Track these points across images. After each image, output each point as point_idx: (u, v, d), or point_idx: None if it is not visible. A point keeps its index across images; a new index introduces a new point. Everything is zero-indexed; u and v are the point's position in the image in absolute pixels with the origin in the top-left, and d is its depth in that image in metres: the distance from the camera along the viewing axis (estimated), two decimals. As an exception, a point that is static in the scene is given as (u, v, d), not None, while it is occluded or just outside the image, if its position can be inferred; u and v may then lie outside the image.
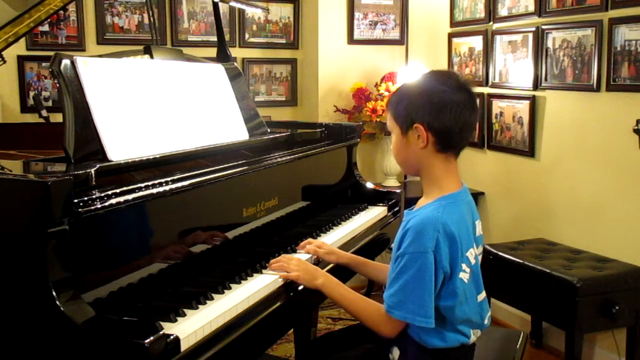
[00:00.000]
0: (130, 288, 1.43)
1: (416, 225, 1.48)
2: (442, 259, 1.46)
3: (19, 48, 3.24)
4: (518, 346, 1.98)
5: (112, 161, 1.52)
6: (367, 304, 1.61)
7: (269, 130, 2.27)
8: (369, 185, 2.62)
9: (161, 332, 1.21)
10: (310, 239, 1.96)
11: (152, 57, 2.00)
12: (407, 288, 1.47)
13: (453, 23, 3.85)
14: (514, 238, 3.21)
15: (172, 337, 1.25)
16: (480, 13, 3.60)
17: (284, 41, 4.03)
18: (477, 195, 3.62)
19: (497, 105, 3.52)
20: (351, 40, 3.94)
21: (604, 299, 2.55)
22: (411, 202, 1.67)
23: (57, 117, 2.72)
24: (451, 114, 1.49)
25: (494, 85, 3.55)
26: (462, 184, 1.60)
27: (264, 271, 1.71)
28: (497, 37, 3.49)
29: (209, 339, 1.36)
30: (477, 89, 3.54)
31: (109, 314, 1.27)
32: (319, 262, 1.89)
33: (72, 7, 3.39)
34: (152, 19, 2.80)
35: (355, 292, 1.66)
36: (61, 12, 3.24)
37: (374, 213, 2.42)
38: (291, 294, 1.67)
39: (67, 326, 1.20)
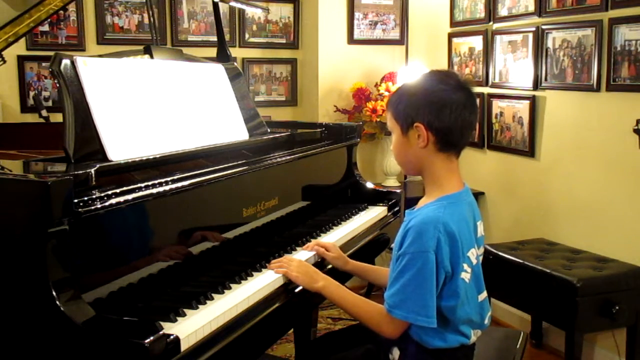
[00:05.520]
0: (130, 288, 1.43)
1: (417, 225, 1.48)
2: (443, 259, 1.46)
3: (19, 48, 3.23)
4: (518, 346, 1.98)
5: (112, 161, 1.52)
6: (368, 306, 1.61)
7: (269, 130, 2.27)
8: (369, 185, 2.62)
9: (161, 332, 1.21)
10: (318, 241, 1.96)
11: (152, 57, 2.00)
12: (409, 287, 1.47)
13: (453, 23, 3.85)
14: (514, 238, 3.21)
15: (172, 337, 1.25)
16: (480, 13, 3.60)
17: (284, 41, 4.03)
18: (477, 195, 3.62)
19: (497, 105, 3.52)
20: (351, 40, 3.94)
21: (604, 299, 2.55)
22: (411, 202, 1.67)
23: (57, 117, 2.72)
24: (451, 113, 1.49)
25: (494, 85, 3.55)
26: (463, 184, 1.60)
27: (263, 270, 1.71)
28: (497, 37, 3.49)
29: (209, 339, 1.36)
30: (477, 89, 3.54)
31: (109, 314, 1.27)
32: (319, 261, 1.89)
33: (72, 7, 3.39)
34: (152, 19, 2.80)
35: (355, 294, 1.65)
36: (61, 12, 3.23)
37: (374, 213, 2.41)
38: (291, 293, 1.68)
39: (67, 326, 1.20)
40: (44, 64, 3.37)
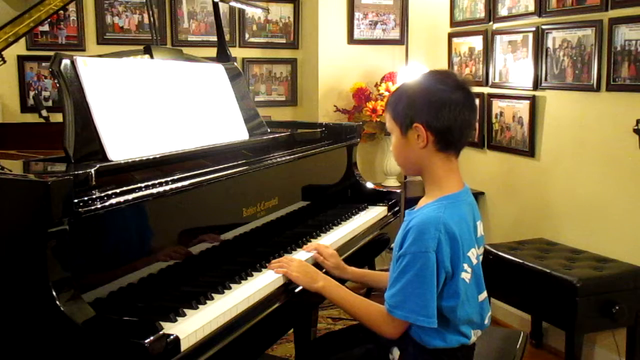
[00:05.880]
0: (130, 288, 1.43)
1: (418, 225, 1.48)
2: (444, 259, 1.46)
3: (19, 48, 3.24)
4: (518, 346, 1.98)
5: (112, 161, 1.52)
6: (368, 306, 1.61)
7: (269, 130, 2.27)
8: (369, 185, 2.62)
9: (161, 332, 1.21)
10: (319, 245, 1.93)
11: (152, 57, 2.00)
12: (409, 288, 1.47)
13: (453, 23, 3.85)
14: (514, 238, 3.21)
15: (172, 337, 1.25)
16: (480, 13, 3.60)
17: (284, 41, 4.03)
18: (477, 195, 3.62)
19: (497, 105, 3.52)
20: (351, 40, 3.94)
21: (604, 299, 2.55)
22: (411, 202, 1.67)
23: (57, 117, 2.73)
24: (450, 113, 1.49)
25: (494, 85, 3.55)
26: (463, 184, 1.60)
27: (263, 270, 1.71)
28: (497, 37, 3.49)
29: (209, 338, 1.36)
30: (477, 89, 3.54)
31: (109, 314, 1.27)
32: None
33: (72, 7, 3.40)
34: (152, 19, 2.81)
35: (355, 294, 1.65)
36: (61, 12, 3.24)
37: (374, 213, 2.41)
38: (291, 293, 1.68)
39: (67, 326, 1.20)
40: (44, 64, 3.37)
